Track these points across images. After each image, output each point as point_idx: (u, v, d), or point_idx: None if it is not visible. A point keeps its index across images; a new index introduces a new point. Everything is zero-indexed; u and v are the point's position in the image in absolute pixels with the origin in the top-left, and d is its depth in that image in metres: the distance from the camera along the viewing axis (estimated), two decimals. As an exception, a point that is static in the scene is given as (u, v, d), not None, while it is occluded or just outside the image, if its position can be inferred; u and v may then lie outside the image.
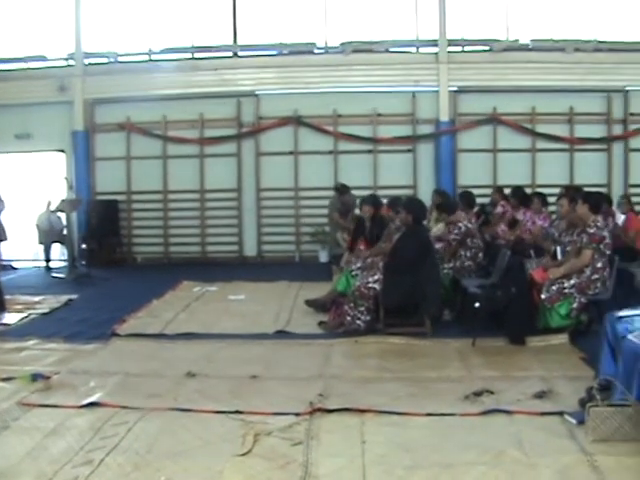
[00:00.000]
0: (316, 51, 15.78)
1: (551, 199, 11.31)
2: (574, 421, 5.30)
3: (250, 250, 15.92)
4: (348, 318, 8.51)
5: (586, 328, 8.14)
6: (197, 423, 5.41)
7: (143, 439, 5.07)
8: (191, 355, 7.57)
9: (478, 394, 6.04)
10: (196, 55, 15.88)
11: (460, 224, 9.87)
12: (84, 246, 15.17)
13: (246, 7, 15.87)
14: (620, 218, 11.76)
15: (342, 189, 14.20)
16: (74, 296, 11.25)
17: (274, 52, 15.84)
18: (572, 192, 9.83)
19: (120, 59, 15.98)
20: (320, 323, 9.01)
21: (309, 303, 9.82)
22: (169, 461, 4.69)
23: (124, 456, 4.77)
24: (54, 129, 15.85)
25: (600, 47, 15.32)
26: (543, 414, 5.55)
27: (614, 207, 12.40)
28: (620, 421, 4.95)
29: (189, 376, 6.73)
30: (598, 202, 8.39)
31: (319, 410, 5.63)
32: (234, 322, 9.39)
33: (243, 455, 4.79)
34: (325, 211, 15.11)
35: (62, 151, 16.09)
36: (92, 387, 6.33)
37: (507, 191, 12.82)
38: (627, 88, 15.39)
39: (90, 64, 15.89)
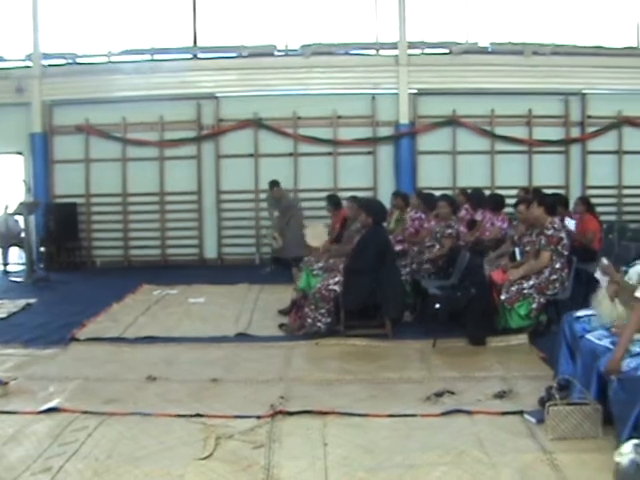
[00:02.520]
0: (276, 53, 15.75)
1: (510, 200, 11.41)
2: (534, 420, 5.37)
3: (210, 253, 15.86)
4: (309, 320, 8.51)
5: (545, 328, 8.24)
6: (158, 427, 5.38)
7: (103, 444, 5.04)
8: (151, 359, 7.53)
9: (439, 395, 6.09)
10: (156, 57, 15.76)
11: (455, 224, 10.00)
12: (42, 249, 15.00)
13: (206, 9, 15.81)
14: (571, 223, 11.85)
15: (270, 185, 14.24)
16: (32, 300, 11.12)
17: (234, 54, 15.76)
18: (532, 195, 9.91)
19: (79, 60, 15.79)
20: (281, 325, 9.01)
21: (283, 312, 9.75)
22: (130, 466, 4.66)
23: (84, 462, 4.73)
24: (11, 131, 15.63)
25: (558, 50, 15.47)
26: (503, 414, 5.62)
27: (571, 209, 12.54)
28: (579, 419, 5.02)
29: (149, 380, 6.70)
30: (553, 204, 8.49)
31: (280, 413, 5.64)
32: (194, 325, 9.36)
33: (204, 459, 4.78)
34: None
35: (20, 153, 15.86)
36: (51, 392, 6.27)
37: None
38: (584, 91, 15.55)
39: (48, 65, 15.69)
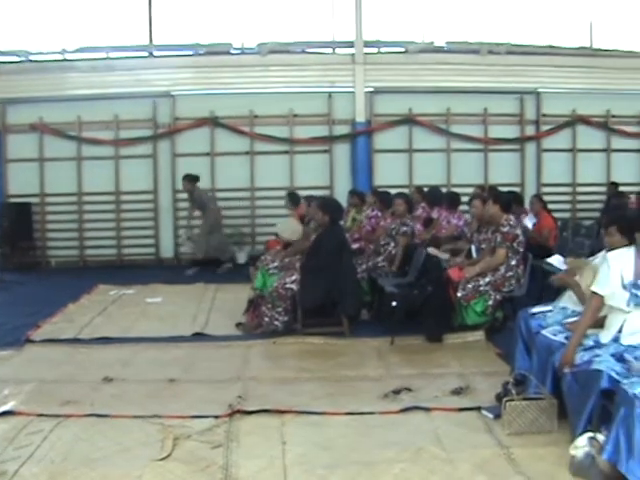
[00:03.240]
0: (232, 51, 15.68)
1: (466, 198, 11.49)
2: (491, 415, 5.45)
3: (167, 252, 15.74)
4: (266, 319, 8.52)
5: (501, 325, 8.33)
6: (115, 429, 5.35)
7: (59, 447, 4.99)
8: (108, 359, 7.48)
9: (397, 392, 6.14)
10: (111, 55, 15.60)
11: (411, 222, 10.04)
12: (-4, 249, 14.83)
13: (162, 7, 15.70)
14: (532, 220, 12.00)
15: (183, 177, 14.24)
16: (-14, 301, 10.99)
17: (190, 52, 15.67)
18: (487, 192, 10.00)
19: (32, 58, 15.58)
20: (238, 325, 9.00)
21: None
22: (86, 468, 4.63)
23: (39, 466, 4.69)
24: (-37, 130, 15.44)
25: (513, 50, 15.60)
26: (461, 410, 5.69)
27: (526, 206, 12.68)
28: (535, 414, 5.10)
29: (106, 381, 6.66)
30: (508, 202, 8.59)
31: (238, 412, 5.64)
32: (151, 325, 9.31)
33: (162, 459, 4.77)
34: (241, 212, 15.38)
35: (-28, 153, 15.68)
36: (6, 395, 6.20)
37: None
38: (539, 90, 15.71)
39: (1, 63, 15.48)
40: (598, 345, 4.99)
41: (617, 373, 4.55)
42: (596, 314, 5.15)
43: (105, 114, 15.28)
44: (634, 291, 4.94)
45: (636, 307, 4.94)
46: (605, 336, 5.06)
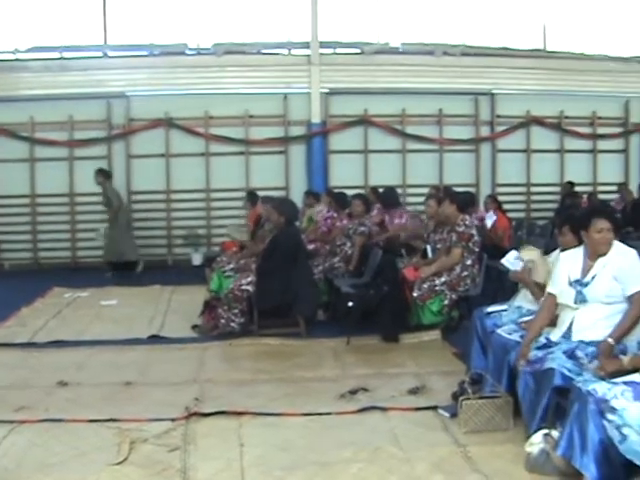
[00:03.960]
0: (188, 52, 15.60)
1: (421, 199, 11.56)
2: (447, 414, 5.49)
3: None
4: (222, 321, 8.50)
5: (457, 324, 8.40)
6: (70, 433, 5.29)
7: (13, 453, 4.92)
8: (62, 363, 7.38)
9: (353, 392, 6.16)
10: (65, 55, 15.43)
11: (368, 223, 10.06)
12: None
13: (116, 6, 15.58)
14: (492, 218, 12.14)
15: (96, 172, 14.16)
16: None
17: (145, 53, 15.58)
18: (442, 193, 10.06)
19: (-17, 58, 15.42)
20: (194, 327, 8.96)
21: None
22: (41, 474, 4.58)
23: (-7, 472, 4.62)
24: None
25: (467, 51, 15.73)
26: (417, 409, 5.72)
27: (481, 207, 12.80)
28: (491, 412, 5.15)
29: (60, 385, 6.58)
30: (465, 202, 8.66)
31: (195, 414, 5.61)
32: (106, 328, 9.22)
33: (119, 464, 4.73)
34: (197, 213, 15.41)
35: None
36: (-43, 401, 6.11)
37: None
38: (493, 91, 15.86)
39: (-50, 63, 15.29)
40: (550, 343, 5.06)
41: (569, 370, 4.64)
42: (549, 312, 5.24)
43: (59, 115, 15.11)
44: (579, 288, 5.04)
45: (582, 304, 5.03)
46: (555, 334, 5.14)
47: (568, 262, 5.24)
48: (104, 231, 14.30)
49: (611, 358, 4.64)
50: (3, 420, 5.54)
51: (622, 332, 4.83)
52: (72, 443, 5.09)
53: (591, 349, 4.82)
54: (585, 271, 5.09)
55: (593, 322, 4.97)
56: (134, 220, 15.19)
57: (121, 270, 13.82)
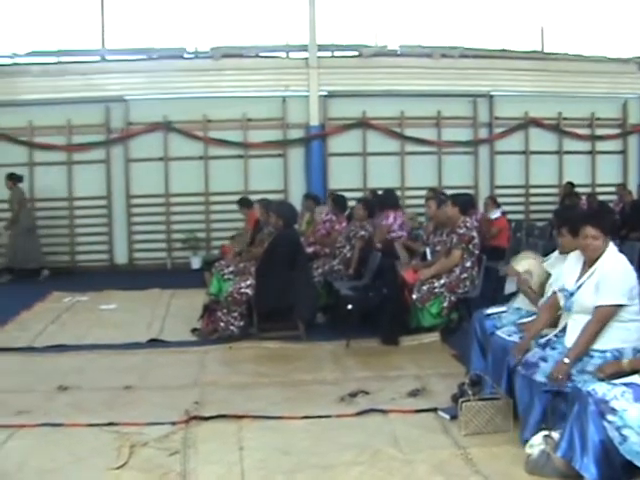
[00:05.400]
0: (186, 56, 15.61)
1: (420, 201, 11.56)
2: (447, 416, 5.49)
3: (121, 258, 15.61)
4: (222, 324, 8.48)
5: (456, 326, 8.38)
6: (70, 438, 5.29)
7: (13, 458, 4.91)
8: (62, 368, 7.38)
9: (353, 395, 6.16)
10: (63, 59, 15.45)
11: (369, 227, 10.05)
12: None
13: (114, 10, 15.60)
14: (496, 214, 12.22)
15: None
16: None
17: (143, 57, 15.57)
18: (438, 194, 10.07)
19: (-19, 62, 15.43)
20: (194, 330, 8.94)
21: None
22: (41, 479, 4.57)
23: (-8, 477, 4.62)
24: None
25: (466, 53, 15.75)
26: (417, 411, 5.73)
27: (480, 208, 12.83)
28: (491, 414, 5.16)
29: (60, 390, 6.57)
30: (467, 204, 8.65)
31: (195, 418, 5.61)
32: (106, 332, 9.18)
33: (119, 468, 4.72)
34: (195, 217, 15.40)
35: None
36: (-42, 406, 6.10)
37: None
38: (492, 93, 15.88)
39: (-51, 67, 15.28)
40: (548, 343, 5.05)
41: None
42: (552, 310, 5.26)
43: (57, 119, 15.11)
44: (567, 296, 5.01)
45: (569, 312, 5.01)
46: (552, 332, 5.15)
47: (571, 264, 5.19)
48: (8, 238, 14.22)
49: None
50: (3, 425, 5.53)
51: (580, 350, 4.74)
52: (72, 447, 5.09)
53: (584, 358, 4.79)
54: (577, 278, 5.03)
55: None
56: (133, 224, 15.21)
57: (23, 277, 13.80)
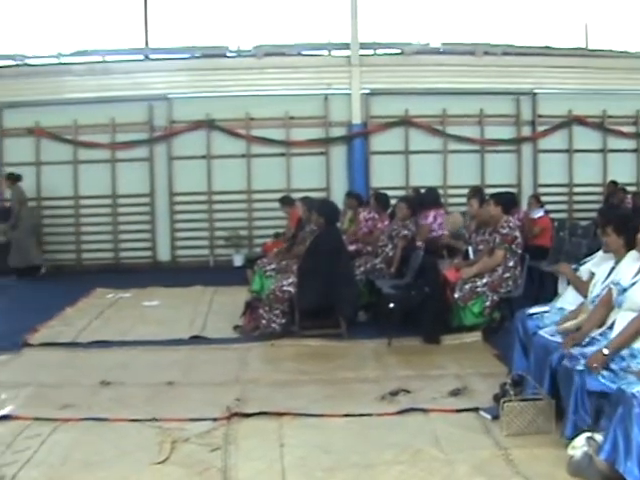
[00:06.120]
0: (228, 54, 15.69)
1: (463, 199, 11.46)
2: (489, 416, 5.45)
3: (164, 255, 15.74)
4: (263, 322, 8.49)
5: (499, 325, 8.31)
6: (113, 432, 5.35)
7: (57, 451, 4.98)
8: (106, 363, 7.47)
9: (394, 394, 6.14)
10: (107, 58, 15.61)
11: (412, 226, 10.02)
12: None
13: (158, 9, 15.72)
14: (538, 213, 12.12)
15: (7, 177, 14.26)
16: (-18, 306, 10.96)
17: (186, 55, 15.69)
18: (479, 192, 9.99)
19: (29, 62, 15.57)
20: (235, 327, 8.98)
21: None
22: (84, 472, 4.63)
23: (37, 470, 4.68)
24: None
25: (509, 51, 15.65)
26: (458, 411, 5.69)
27: (524, 207, 12.73)
28: (533, 415, 5.10)
29: (104, 384, 6.64)
30: (509, 203, 8.59)
31: (236, 415, 5.63)
32: (149, 328, 9.28)
33: (160, 463, 4.76)
34: (238, 215, 15.47)
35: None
36: (3, 399, 6.18)
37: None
38: (535, 90, 15.75)
39: (-3, 67, 15.49)
40: (592, 341, 5.01)
41: (603, 377, 4.61)
42: (607, 305, 5.18)
43: (101, 117, 15.27)
44: (619, 292, 4.97)
45: (619, 308, 4.96)
46: (600, 328, 5.10)
47: (629, 261, 5.14)
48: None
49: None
50: (48, 418, 5.62)
51: (621, 342, 4.72)
52: (115, 442, 5.15)
53: (626, 353, 4.74)
54: (633, 275, 4.99)
55: None
56: (176, 222, 15.33)
57: (25, 274, 13.97)
